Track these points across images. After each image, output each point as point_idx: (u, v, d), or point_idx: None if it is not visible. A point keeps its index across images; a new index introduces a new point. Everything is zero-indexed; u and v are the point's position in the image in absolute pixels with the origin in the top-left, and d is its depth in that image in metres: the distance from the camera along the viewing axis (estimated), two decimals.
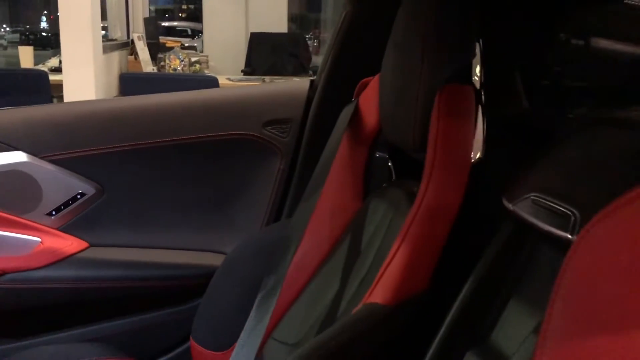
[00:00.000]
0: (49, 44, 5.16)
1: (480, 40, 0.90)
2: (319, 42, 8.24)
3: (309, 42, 5.26)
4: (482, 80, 0.90)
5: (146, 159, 1.32)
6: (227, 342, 1.10)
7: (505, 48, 0.95)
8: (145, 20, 4.77)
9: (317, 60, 5.26)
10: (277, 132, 1.31)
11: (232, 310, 1.12)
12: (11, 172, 1.21)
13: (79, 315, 1.25)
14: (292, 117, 1.32)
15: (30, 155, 1.23)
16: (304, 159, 1.29)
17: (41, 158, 1.23)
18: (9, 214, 1.21)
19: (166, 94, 1.40)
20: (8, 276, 1.18)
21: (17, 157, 1.22)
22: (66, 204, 1.25)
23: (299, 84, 1.40)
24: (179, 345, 1.30)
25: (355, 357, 0.78)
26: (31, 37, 5.21)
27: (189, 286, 1.28)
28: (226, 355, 1.11)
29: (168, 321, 1.30)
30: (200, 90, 1.44)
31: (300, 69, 4.65)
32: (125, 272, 1.24)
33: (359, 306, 0.81)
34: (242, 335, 0.96)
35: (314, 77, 1.38)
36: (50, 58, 4.54)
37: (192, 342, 1.16)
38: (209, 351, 1.13)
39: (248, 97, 1.39)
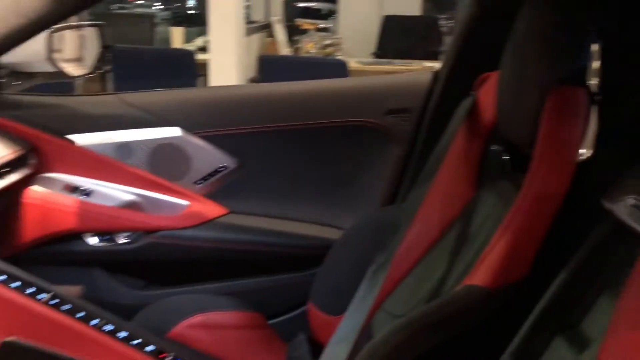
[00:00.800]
0: (196, 21, 5.62)
1: (601, 42, 0.92)
2: (455, 22, 8.07)
3: (443, 23, 5.20)
4: (601, 81, 0.93)
5: (279, 140, 1.48)
6: (340, 307, 1.23)
7: (627, 49, 0.96)
8: (283, 2, 5.01)
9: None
10: (397, 121, 1.41)
11: (346, 280, 1.24)
12: (168, 145, 1.42)
13: (216, 272, 1.44)
14: (412, 106, 1.40)
15: (184, 131, 1.43)
16: (421, 147, 1.37)
17: (193, 134, 1.43)
18: (165, 180, 1.42)
19: (298, 82, 1.55)
20: (161, 233, 1.39)
21: (174, 132, 1.43)
22: (211, 175, 1.45)
23: (420, 75, 1.48)
24: (298, 307, 1.45)
25: (449, 332, 0.87)
26: (180, 15, 5.68)
27: (310, 255, 1.42)
28: (338, 320, 1.23)
29: (290, 284, 1.46)
30: (329, 80, 1.56)
31: (430, 53, 4.64)
32: (258, 238, 1.41)
33: (460, 286, 0.89)
34: (353, 302, 1.08)
35: (438, 69, 1.45)
36: (196, 36, 4.94)
37: (310, 305, 1.31)
38: (324, 314, 1.26)
39: (372, 87, 1.49)
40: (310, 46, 4.11)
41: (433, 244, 1.18)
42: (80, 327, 0.79)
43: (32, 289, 0.80)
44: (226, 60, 3.19)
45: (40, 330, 0.77)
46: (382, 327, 1.14)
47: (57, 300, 0.81)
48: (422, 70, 4.19)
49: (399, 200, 1.42)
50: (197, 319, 1.26)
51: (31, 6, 1.20)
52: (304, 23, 5.40)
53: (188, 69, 3.80)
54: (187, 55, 3.90)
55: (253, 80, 3.78)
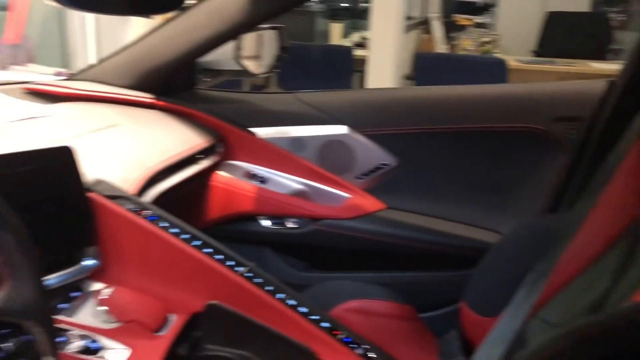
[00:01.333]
0: (349, 15, 5.78)
1: None
2: (628, 16, 7.41)
3: (614, 16, 4.83)
4: None
5: (439, 141, 1.52)
6: (494, 310, 1.26)
7: None
8: None
9: (623, 37, 4.77)
10: (565, 129, 1.39)
11: (502, 284, 1.27)
12: (336, 141, 1.54)
13: (372, 262, 1.54)
14: (583, 115, 1.37)
15: (350, 129, 1.53)
16: (590, 158, 1.34)
17: (359, 132, 1.52)
18: (330, 173, 1.53)
19: (461, 86, 1.58)
20: (325, 221, 1.51)
21: (342, 129, 1.54)
22: (372, 171, 1.54)
23: (593, 83, 1.44)
24: (447, 305, 1.50)
25: (612, 348, 0.87)
26: (334, 8, 5.86)
27: (465, 255, 1.46)
28: (490, 321, 1.26)
29: (442, 282, 1.51)
30: (496, 85, 1.57)
31: (597, 52, 4.35)
32: (414, 234, 1.48)
33: (628, 301, 0.89)
34: (510, 307, 1.10)
35: (613, 79, 1.40)
36: (351, 31, 5.08)
37: (462, 304, 1.35)
38: (477, 315, 1.30)
39: (541, 93, 1.48)
40: (467, 43, 4.06)
41: (597, 257, 1.16)
42: (268, 298, 0.92)
43: (232, 262, 0.94)
44: (384, 56, 3.27)
45: (236, 297, 0.91)
46: (536, 335, 1.15)
47: (251, 274, 0.94)
48: (587, 70, 3.94)
49: (562, 210, 1.40)
50: (353, 304, 1.36)
51: (233, 13, 1.36)
52: (461, 19, 5.32)
53: (345, 65, 3.94)
54: (346, 51, 4.04)
55: (407, 77, 3.83)
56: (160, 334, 0.86)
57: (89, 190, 0.91)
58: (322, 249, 1.57)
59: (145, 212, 0.93)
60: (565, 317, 1.13)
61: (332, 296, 1.39)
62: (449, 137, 1.52)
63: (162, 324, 0.87)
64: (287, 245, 1.56)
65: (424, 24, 4.36)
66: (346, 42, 4.91)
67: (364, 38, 4.90)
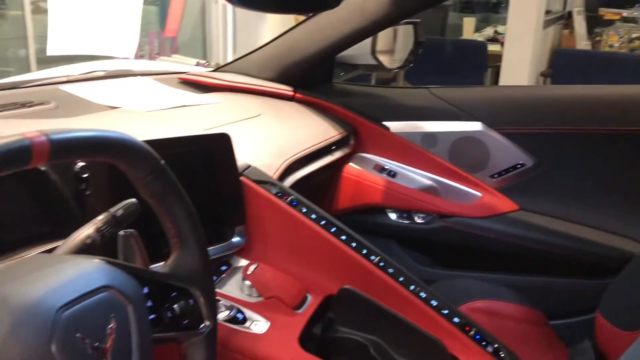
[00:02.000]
0: (484, 9, 5.61)
1: None
2: None
3: None
4: None
5: (580, 142, 1.45)
6: (634, 324, 1.18)
7: None
8: None
9: None
10: None
11: None
12: (469, 138, 1.52)
13: (500, 264, 1.50)
14: None
15: (485, 126, 1.50)
16: None
17: (494, 129, 1.49)
18: (462, 171, 1.52)
19: (606, 86, 1.49)
20: (454, 219, 1.50)
21: (475, 126, 1.51)
22: (507, 170, 1.50)
23: None
24: (580, 314, 1.43)
25: None
26: (468, 3, 5.70)
27: (601, 264, 1.38)
28: (630, 337, 1.19)
29: (575, 290, 1.44)
30: None
31: None
32: (547, 237, 1.43)
33: None
34: None
35: None
36: (479, 23, 4.93)
37: (598, 315, 1.28)
38: (615, 328, 1.23)
39: None
40: (613, 39, 3.78)
41: None
42: (400, 288, 0.94)
43: (365, 250, 0.98)
44: (520, 53, 3.15)
45: (369, 284, 0.94)
46: None
47: (383, 264, 0.97)
48: None
49: None
50: (480, 303, 1.34)
51: (374, 9, 1.40)
52: (608, 13, 4.95)
53: (478, 61, 3.83)
54: (480, 47, 3.93)
55: (544, 75, 3.65)
56: (299, 311, 0.91)
57: (241, 174, 0.99)
58: (449, 246, 1.56)
59: (288, 198, 1.00)
60: None
61: (458, 294, 1.39)
62: (590, 139, 1.44)
63: (301, 302, 0.93)
64: (413, 240, 1.57)
65: (564, 18, 4.12)
66: (478, 37, 4.77)
67: (498, 32, 4.73)
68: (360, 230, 1.59)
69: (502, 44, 3.90)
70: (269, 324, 0.87)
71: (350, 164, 1.56)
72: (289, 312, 0.90)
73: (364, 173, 1.56)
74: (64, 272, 0.56)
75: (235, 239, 0.98)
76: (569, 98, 1.52)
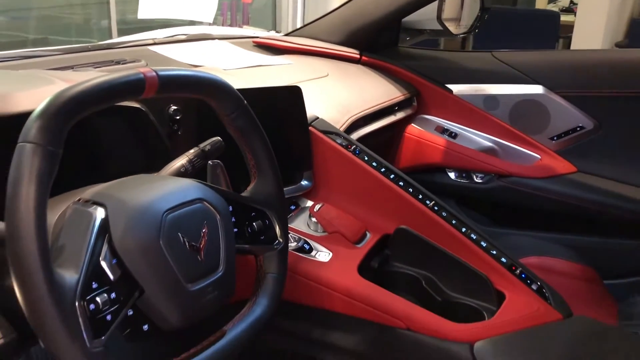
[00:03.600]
0: None
1: None
2: None
3: None
4: None
5: None
6: None
7: None
8: None
9: None
10: None
11: None
12: (530, 101, 1.56)
13: (557, 224, 1.55)
14: None
15: (546, 89, 1.54)
16: None
17: (555, 92, 1.53)
18: (522, 133, 1.56)
19: None
20: (512, 179, 1.55)
21: (537, 89, 1.55)
22: (566, 133, 1.54)
23: None
24: (632, 275, 1.46)
25: None
26: None
27: None
28: None
29: (628, 250, 1.47)
30: None
31: None
32: (604, 199, 1.46)
33: None
34: None
35: None
36: None
37: None
38: None
39: None
40: None
41: None
42: (451, 229, 1.02)
43: (421, 195, 1.06)
44: (594, 21, 3.07)
45: (423, 224, 1.03)
46: None
47: (437, 207, 1.05)
48: None
49: None
50: (534, 259, 1.40)
51: None
52: None
53: (549, 31, 3.75)
54: (552, 16, 3.84)
55: (619, 45, 3.53)
56: (358, 246, 1.02)
57: (309, 124, 1.10)
58: (507, 205, 1.61)
59: (352, 147, 1.09)
60: None
61: (513, 249, 1.44)
62: None
63: (360, 238, 1.03)
64: (472, 199, 1.63)
65: None
66: (553, 7, 4.64)
67: (573, 3, 4.59)
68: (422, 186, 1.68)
69: (576, 14, 3.80)
70: (331, 254, 0.98)
71: (413, 124, 1.64)
72: (349, 246, 1.01)
73: (426, 134, 1.63)
74: (168, 185, 0.68)
75: (304, 182, 1.09)
76: (630, 62, 1.52)
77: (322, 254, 0.98)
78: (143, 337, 0.64)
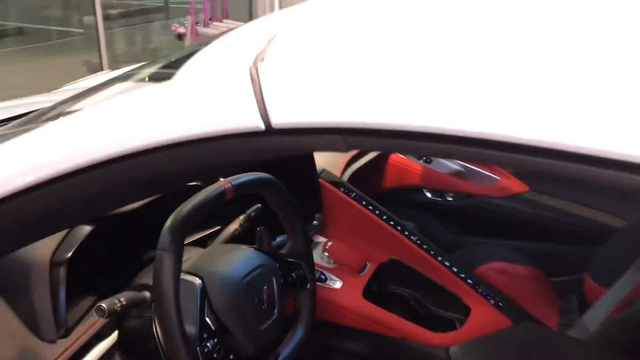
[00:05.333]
0: None
1: None
2: None
3: None
4: None
5: None
6: (610, 283, 1.57)
7: None
8: None
9: None
10: None
11: (622, 263, 1.57)
12: None
13: (514, 234, 1.89)
14: None
15: None
16: None
17: None
18: None
19: None
20: (479, 197, 1.89)
21: None
22: None
23: None
24: (571, 274, 1.82)
25: None
26: None
27: (591, 234, 1.76)
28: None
29: (569, 254, 1.82)
30: None
31: None
32: (550, 214, 1.80)
33: None
34: (618, 282, 1.43)
35: None
36: None
37: (586, 274, 1.67)
38: (596, 284, 1.62)
39: None
40: None
41: None
42: (431, 259, 1.35)
43: (407, 232, 1.39)
44: None
45: (409, 256, 1.36)
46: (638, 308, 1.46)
47: (420, 242, 1.38)
48: None
49: None
50: (497, 264, 1.75)
51: None
52: None
53: None
54: None
55: None
56: (361, 274, 1.35)
57: (319, 175, 1.41)
58: (473, 218, 1.95)
59: (352, 194, 1.41)
60: None
61: (480, 256, 1.79)
62: None
63: (362, 268, 1.36)
64: (445, 213, 1.97)
65: None
66: None
67: None
68: (403, 204, 2.01)
69: None
70: (342, 282, 1.30)
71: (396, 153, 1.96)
72: (355, 275, 1.33)
73: (407, 160, 1.95)
74: (240, 256, 0.99)
75: (315, 222, 1.41)
76: None
77: (335, 282, 1.30)
78: None
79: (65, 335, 0.93)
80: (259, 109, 0.53)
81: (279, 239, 1.36)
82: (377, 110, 0.49)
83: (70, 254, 0.91)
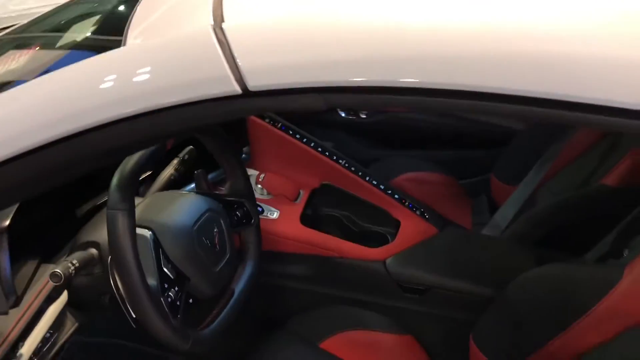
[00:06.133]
0: None
1: None
2: None
3: None
4: None
5: None
6: (515, 180, 1.73)
7: None
8: None
9: None
10: None
11: (524, 161, 1.72)
12: None
13: (422, 143, 2.00)
14: None
15: None
16: None
17: None
18: None
19: None
20: (389, 113, 1.96)
21: None
22: None
23: None
24: (482, 174, 1.98)
25: (583, 214, 1.34)
26: None
27: (495, 137, 1.91)
28: (512, 189, 1.73)
29: (476, 158, 1.97)
30: None
31: None
32: (456, 122, 1.92)
33: (598, 183, 1.35)
34: (525, 179, 1.58)
35: None
36: None
37: (492, 175, 1.83)
38: (502, 183, 1.78)
39: None
40: None
41: (592, 145, 1.59)
42: (359, 179, 1.41)
43: (335, 157, 1.43)
44: None
45: (339, 178, 1.40)
46: (543, 199, 1.63)
47: (347, 164, 1.43)
48: None
49: None
50: (411, 175, 1.86)
51: None
52: None
53: None
54: None
55: None
56: (296, 202, 1.39)
57: None
58: (385, 134, 2.04)
59: (279, 125, 1.42)
60: (564, 189, 1.60)
61: (395, 168, 1.89)
62: None
63: (296, 196, 1.40)
64: (358, 130, 2.03)
65: None
66: None
67: None
68: (318, 124, 2.04)
69: None
70: (279, 212, 1.34)
71: None
72: (290, 203, 1.37)
73: None
74: (186, 203, 0.99)
75: (242, 156, 1.41)
76: None
77: (272, 213, 1.33)
78: (191, 307, 0.98)
79: (17, 304, 0.90)
80: (233, 73, 0.52)
81: (211, 175, 1.36)
82: (355, 66, 0.50)
83: (8, 222, 0.87)
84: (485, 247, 1.42)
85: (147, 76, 0.55)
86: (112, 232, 0.82)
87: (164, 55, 0.56)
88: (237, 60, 0.52)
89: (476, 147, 1.98)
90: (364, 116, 1.99)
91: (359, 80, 0.51)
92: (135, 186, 0.84)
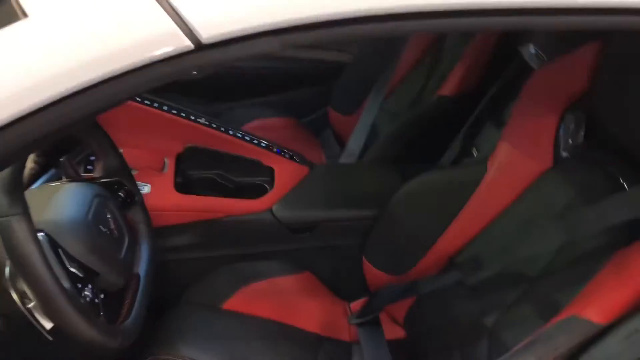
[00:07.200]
0: None
1: None
2: None
3: None
4: None
5: None
6: (354, 110, 1.82)
7: None
8: None
9: None
10: None
11: (358, 90, 1.81)
12: None
13: (261, 89, 2.00)
14: None
15: None
16: None
17: None
18: None
19: None
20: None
21: None
22: None
23: None
24: (320, 109, 2.04)
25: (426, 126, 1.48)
26: None
27: (325, 72, 1.98)
28: (352, 119, 1.82)
29: (313, 94, 2.03)
30: None
31: None
32: (286, 65, 1.94)
33: (434, 95, 1.49)
34: (365, 107, 1.67)
35: None
36: None
37: (329, 108, 1.90)
38: (341, 115, 1.86)
39: None
40: None
41: (418, 61, 1.74)
42: (223, 135, 1.37)
43: (193, 117, 1.36)
44: None
45: (202, 137, 1.34)
46: (384, 124, 1.74)
47: (207, 122, 1.37)
48: None
49: None
50: (258, 122, 1.86)
51: None
52: None
53: None
54: None
55: None
56: (164, 172, 1.31)
57: None
58: (220, 87, 1.98)
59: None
60: (400, 106, 1.73)
61: (238, 120, 1.87)
62: None
63: (162, 165, 1.31)
64: (191, 88, 1.94)
65: None
66: None
67: None
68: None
69: None
70: (150, 185, 1.26)
71: None
72: (159, 174, 1.29)
73: None
74: (72, 195, 0.88)
75: None
76: None
77: (143, 187, 1.25)
78: (104, 302, 0.89)
79: None
80: (180, 28, 0.47)
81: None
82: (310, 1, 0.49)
83: None
84: (356, 174, 1.50)
85: (73, 50, 0.47)
86: (9, 242, 0.71)
87: (97, 20, 0.48)
88: (181, 14, 0.47)
89: (308, 85, 2.03)
90: (195, 72, 1.91)
91: (321, 14, 0.50)
92: (22, 185, 0.73)
